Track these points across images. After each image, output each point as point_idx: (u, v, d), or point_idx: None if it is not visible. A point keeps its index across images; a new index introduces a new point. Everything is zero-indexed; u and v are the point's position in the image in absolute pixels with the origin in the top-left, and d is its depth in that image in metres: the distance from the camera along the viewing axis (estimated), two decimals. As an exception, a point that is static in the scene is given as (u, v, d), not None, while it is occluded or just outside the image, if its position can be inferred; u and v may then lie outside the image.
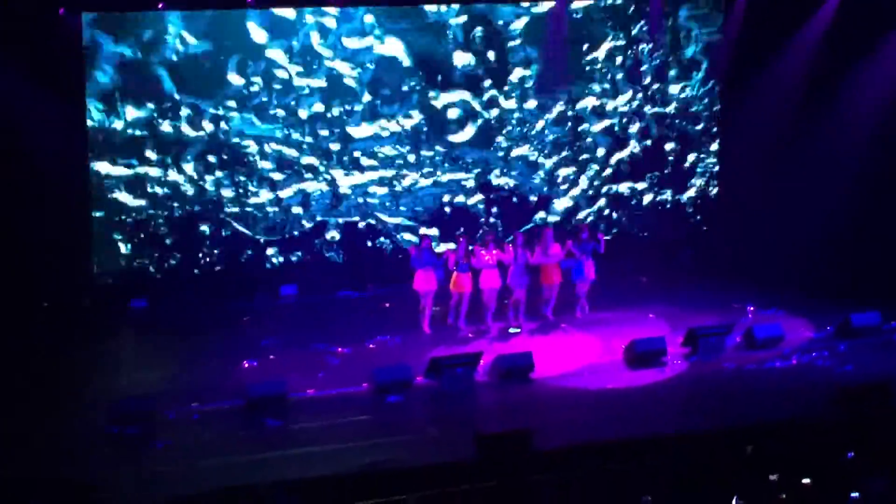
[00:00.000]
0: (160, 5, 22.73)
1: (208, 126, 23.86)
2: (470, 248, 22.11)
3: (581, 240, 22.89)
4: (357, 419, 18.20)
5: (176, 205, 23.94)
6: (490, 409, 18.76)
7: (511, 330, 22.20)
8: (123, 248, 23.68)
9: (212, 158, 24.06)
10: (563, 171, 26.44)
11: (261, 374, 19.91)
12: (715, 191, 27.45)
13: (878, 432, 16.48)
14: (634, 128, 26.72)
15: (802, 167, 25.44)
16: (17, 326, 21.87)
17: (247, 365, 20.48)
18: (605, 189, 26.77)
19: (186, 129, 23.71)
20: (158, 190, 23.74)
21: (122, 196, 23.50)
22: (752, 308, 23.11)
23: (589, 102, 26.32)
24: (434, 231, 25.33)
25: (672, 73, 26.76)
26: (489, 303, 22.33)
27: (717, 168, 27.45)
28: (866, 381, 18.83)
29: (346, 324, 22.70)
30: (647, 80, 26.63)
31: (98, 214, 23.40)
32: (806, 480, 12.94)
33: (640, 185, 27.04)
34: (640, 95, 26.63)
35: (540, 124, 26.10)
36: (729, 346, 20.92)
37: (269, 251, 24.67)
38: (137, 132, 23.45)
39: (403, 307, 22.90)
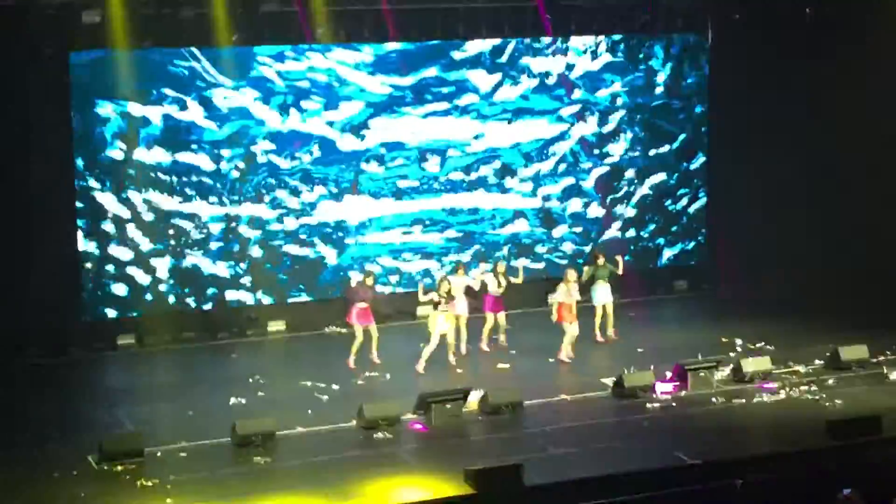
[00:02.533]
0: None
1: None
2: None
3: (597, 265, 23.13)
4: (346, 456, 18.13)
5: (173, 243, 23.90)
6: (480, 445, 18.70)
7: (499, 366, 22.15)
8: (114, 287, 23.59)
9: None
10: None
11: (249, 410, 19.81)
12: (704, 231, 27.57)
13: (868, 464, 16.52)
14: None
15: (791, 202, 25.57)
16: (3, 360, 21.80)
17: (234, 401, 20.41)
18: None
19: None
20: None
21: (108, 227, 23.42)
22: (740, 342, 23.10)
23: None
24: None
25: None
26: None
27: (705, 202, 27.50)
28: (856, 413, 18.88)
29: (334, 360, 22.62)
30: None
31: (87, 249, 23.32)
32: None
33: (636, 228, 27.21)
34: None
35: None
36: (718, 381, 20.89)
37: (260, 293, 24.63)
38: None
39: (393, 344, 22.85)
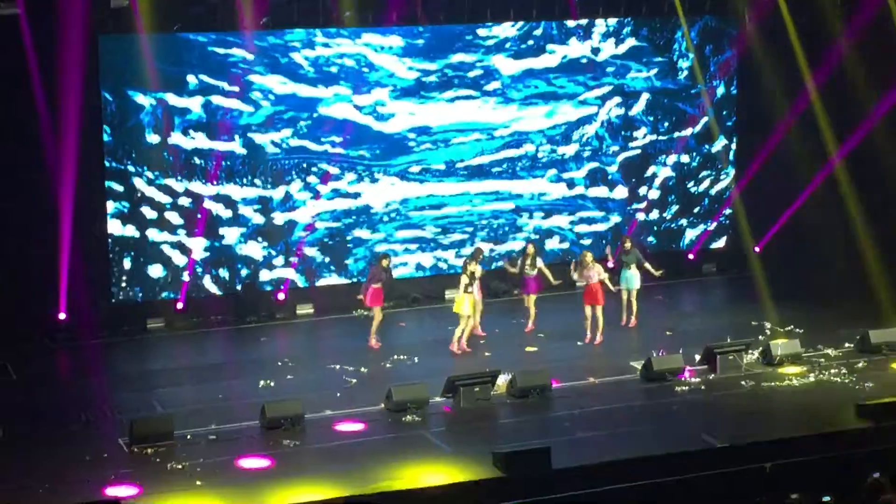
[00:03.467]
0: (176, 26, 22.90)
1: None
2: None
3: (625, 249, 23.14)
4: (375, 439, 18.18)
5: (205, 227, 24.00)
6: (508, 428, 18.71)
7: (528, 348, 22.15)
8: (145, 270, 23.67)
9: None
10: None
11: (278, 393, 19.88)
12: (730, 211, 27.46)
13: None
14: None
15: (820, 184, 25.43)
16: (35, 342, 21.88)
17: (263, 385, 20.47)
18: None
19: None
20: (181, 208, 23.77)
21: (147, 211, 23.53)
22: (769, 325, 23.03)
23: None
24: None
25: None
26: None
27: (734, 188, 27.42)
28: (886, 396, 18.80)
29: (363, 343, 22.66)
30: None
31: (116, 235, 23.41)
32: (826, 498, 12.86)
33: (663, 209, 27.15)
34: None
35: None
36: (747, 364, 20.85)
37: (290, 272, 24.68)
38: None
39: (421, 327, 22.88)
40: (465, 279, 21.72)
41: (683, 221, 27.43)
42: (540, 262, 23.13)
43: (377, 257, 23.22)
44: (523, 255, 23.30)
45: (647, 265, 23.32)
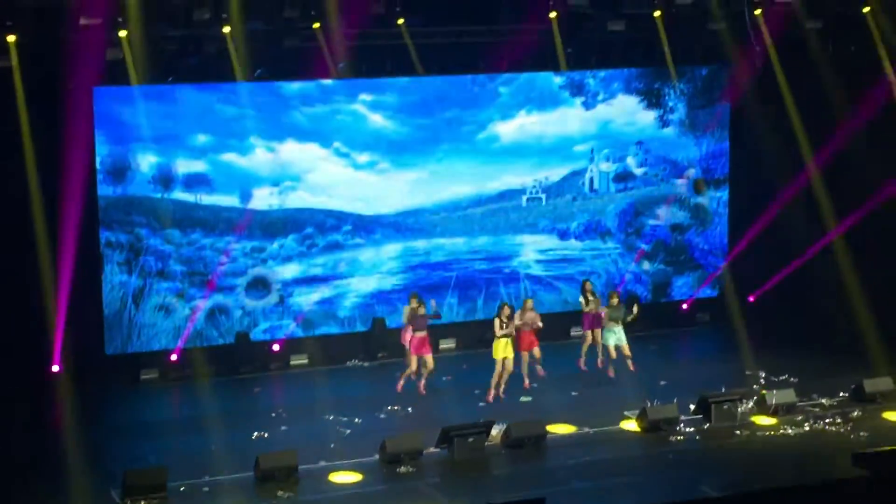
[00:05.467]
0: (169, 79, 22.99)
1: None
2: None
3: (612, 305, 23.01)
4: (369, 490, 18.10)
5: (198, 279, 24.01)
6: (503, 478, 18.64)
7: (522, 399, 22.10)
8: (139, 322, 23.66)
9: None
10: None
11: (272, 445, 19.80)
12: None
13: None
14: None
15: (813, 230, 25.49)
16: (26, 395, 21.81)
17: (256, 436, 20.40)
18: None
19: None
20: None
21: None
22: (763, 374, 23.02)
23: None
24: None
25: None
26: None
27: (727, 235, 27.49)
28: (882, 445, 18.77)
29: (357, 394, 22.62)
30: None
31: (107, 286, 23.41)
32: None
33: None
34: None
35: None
36: (741, 413, 20.82)
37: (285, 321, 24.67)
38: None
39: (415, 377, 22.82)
40: (497, 322, 21.84)
41: (675, 272, 27.43)
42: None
43: (413, 299, 22.93)
44: (584, 292, 23.35)
45: (634, 309, 23.29)
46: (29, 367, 22.22)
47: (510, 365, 22.01)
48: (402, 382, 22.35)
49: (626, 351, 22.89)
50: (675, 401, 21.07)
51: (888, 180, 24.39)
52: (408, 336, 22.50)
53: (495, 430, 19.85)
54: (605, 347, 22.98)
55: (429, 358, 22.25)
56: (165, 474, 17.99)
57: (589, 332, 23.24)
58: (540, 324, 22.53)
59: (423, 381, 22.29)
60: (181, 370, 23.73)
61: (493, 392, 21.99)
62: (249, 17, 22.53)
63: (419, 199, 25.36)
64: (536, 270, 26.37)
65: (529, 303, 22.85)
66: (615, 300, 23.13)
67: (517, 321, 22.28)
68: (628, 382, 22.81)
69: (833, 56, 25.27)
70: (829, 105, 24.98)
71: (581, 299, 23.52)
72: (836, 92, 24.82)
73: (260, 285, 24.43)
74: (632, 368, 22.86)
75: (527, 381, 22.55)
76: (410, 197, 25.28)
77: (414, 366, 22.28)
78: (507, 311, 22.08)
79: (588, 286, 23.61)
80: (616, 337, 22.84)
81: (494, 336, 21.98)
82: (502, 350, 21.94)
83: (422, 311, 22.48)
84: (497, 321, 21.95)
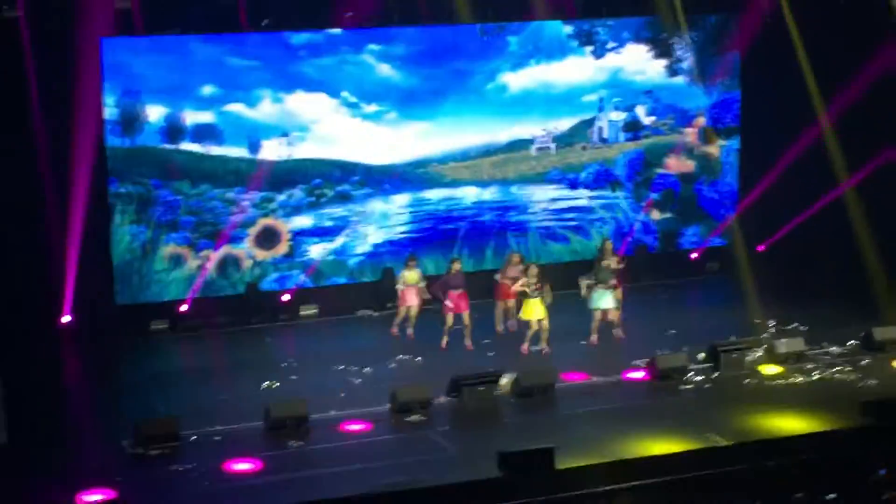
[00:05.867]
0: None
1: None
2: None
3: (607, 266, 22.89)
4: (379, 439, 18.19)
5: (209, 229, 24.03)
6: (512, 427, 18.71)
7: (533, 348, 22.12)
8: (149, 272, 23.70)
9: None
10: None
11: (282, 394, 19.89)
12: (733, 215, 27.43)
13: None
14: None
15: (824, 181, 25.41)
16: (39, 346, 21.87)
17: (267, 385, 20.48)
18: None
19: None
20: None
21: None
22: (773, 323, 23.02)
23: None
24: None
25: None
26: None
27: (737, 185, 27.43)
28: (891, 394, 18.79)
29: (367, 343, 22.69)
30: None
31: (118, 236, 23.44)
32: (831, 496, 12.86)
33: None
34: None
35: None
36: (750, 362, 20.84)
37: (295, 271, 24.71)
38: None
39: (424, 326, 22.88)
40: (523, 281, 21.89)
41: (685, 221, 27.37)
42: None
43: (452, 259, 23.08)
44: (603, 251, 23.13)
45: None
46: (40, 318, 22.31)
47: (546, 323, 21.91)
48: (445, 339, 22.25)
49: (613, 316, 22.58)
50: (684, 350, 21.11)
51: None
52: (407, 296, 22.58)
53: (505, 380, 19.90)
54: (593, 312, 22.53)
55: (465, 315, 22.19)
56: (177, 424, 18.08)
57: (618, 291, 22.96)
58: (522, 281, 22.39)
59: (468, 340, 22.23)
60: (191, 321, 23.79)
61: (527, 345, 21.89)
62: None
63: (428, 150, 25.31)
64: (545, 220, 26.35)
65: (516, 257, 22.90)
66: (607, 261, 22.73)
67: (499, 276, 22.45)
68: (638, 332, 22.83)
69: (845, 2, 25.06)
70: (842, 54, 24.84)
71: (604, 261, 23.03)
72: (848, 40, 24.67)
73: (269, 236, 24.45)
74: (622, 335, 22.62)
75: (500, 328, 22.81)
76: (419, 147, 25.22)
77: (450, 321, 22.24)
78: (534, 270, 22.01)
79: (609, 245, 23.40)
80: (605, 300, 22.47)
81: (522, 297, 21.91)
82: (533, 311, 21.88)
83: (413, 273, 22.53)
84: (524, 281, 21.86)
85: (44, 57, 21.69)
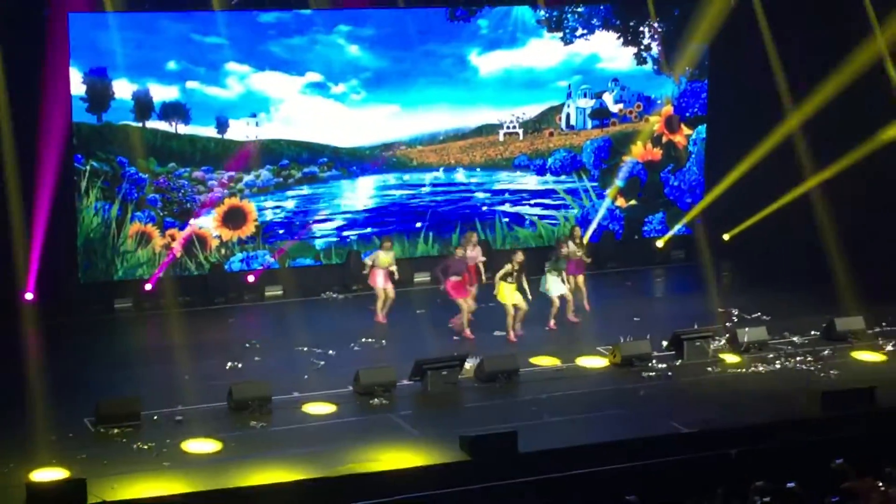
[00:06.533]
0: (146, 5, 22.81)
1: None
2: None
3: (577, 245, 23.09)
4: (342, 422, 18.20)
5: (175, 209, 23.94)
6: (475, 412, 18.75)
7: (496, 333, 22.15)
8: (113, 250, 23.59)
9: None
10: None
11: (245, 375, 19.86)
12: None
13: (861, 435, 16.57)
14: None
15: (788, 171, 25.53)
16: (1, 323, 21.74)
17: (230, 366, 20.45)
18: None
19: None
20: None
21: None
22: (736, 312, 23.15)
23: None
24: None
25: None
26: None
27: (703, 174, 27.52)
28: (850, 384, 18.95)
29: (331, 326, 22.68)
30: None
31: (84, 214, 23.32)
32: (791, 484, 12.96)
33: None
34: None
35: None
36: (713, 350, 20.96)
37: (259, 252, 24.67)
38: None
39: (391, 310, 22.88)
40: (507, 268, 21.79)
41: (650, 209, 27.45)
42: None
43: (457, 245, 23.13)
44: (572, 237, 23.32)
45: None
46: (2, 294, 22.16)
47: (523, 304, 21.91)
48: (468, 331, 22.00)
49: (570, 296, 22.67)
50: (647, 337, 21.20)
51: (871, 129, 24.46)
52: (376, 277, 22.54)
53: (469, 364, 19.93)
54: (550, 297, 22.47)
55: (467, 301, 22.03)
56: (139, 404, 18.03)
57: (571, 278, 23.10)
58: (482, 258, 22.71)
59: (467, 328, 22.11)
60: (155, 300, 23.70)
61: (512, 333, 21.83)
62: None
63: (396, 133, 25.29)
64: (512, 206, 26.39)
65: (474, 237, 23.06)
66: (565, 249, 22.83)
67: (458, 252, 22.40)
68: (602, 318, 22.91)
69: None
70: (811, 48, 24.98)
71: (569, 244, 23.17)
72: (817, 36, 24.83)
73: (236, 216, 24.38)
74: (574, 319, 22.65)
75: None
76: (387, 130, 25.20)
77: (469, 305, 22.11)
78: (520, 256, 21.96)
79: (577, 232, 23.59)
80: (556, 286, 22.44)
81: (498, 280, 21.81)
82: (510, 295, 21.82)
83: (387, 256, 22.52)
84: (508, 266, 21.75)
85: (11, 32, 21.49)
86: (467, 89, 25.57)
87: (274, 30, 24.08)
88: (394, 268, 22.71)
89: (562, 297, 22.42)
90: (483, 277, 22.70)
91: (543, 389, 19.42)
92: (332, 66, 24.56)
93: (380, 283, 22.66)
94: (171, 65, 23.46)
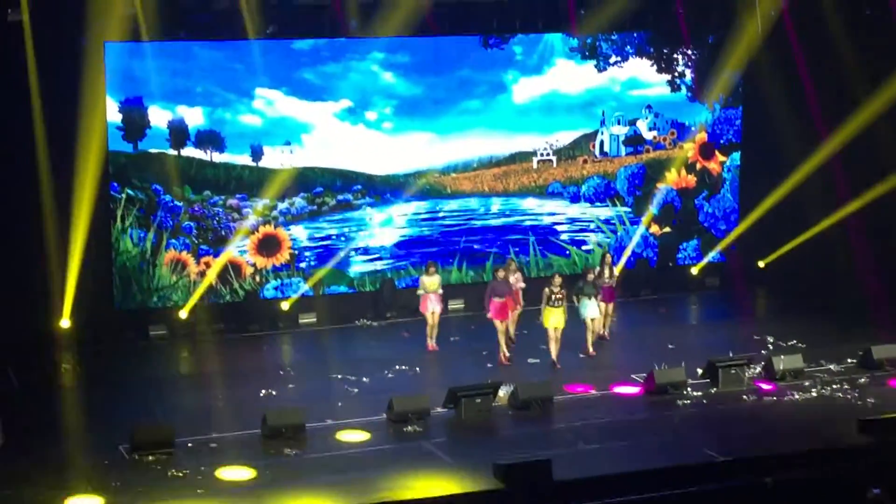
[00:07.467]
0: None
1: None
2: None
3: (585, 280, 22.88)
4: (375, 449, 18.18)
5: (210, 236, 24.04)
6: (509, 439, 18.70)
7: (530, 360, 22.11)
8: (149, 278, 23.69)
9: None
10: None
11: (279, 402, 19.88)
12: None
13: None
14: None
15: (823, 198, 25.45)
16: (38, 350, 21.85)
17: (264, 393, 20.48)
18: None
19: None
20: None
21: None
22: (772, 340, 23.03)
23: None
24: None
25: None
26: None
27: (737, 201, 27.43)
28: (887, 412, 18.80)
29: (365, 353, 22.69)
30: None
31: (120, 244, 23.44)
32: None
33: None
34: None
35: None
36: (749, 378, 20.85)
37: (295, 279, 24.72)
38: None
39: (422, 336, 22.87)
40: (546, 292, 21.79)
41: (684, 236, 27.36)
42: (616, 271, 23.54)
43: (500, 268, 23.01)
44: (603, 264, 23.40)
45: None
46: (39, 321, 22.30)
47: (560, 333, 21.81)
48: (507, 354, 22.03)
49: (599, 326, 22.75)
50: (682, 364, 21.09)
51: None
52: (426, 303, 22.59)
53: (502, 392, 19.90)
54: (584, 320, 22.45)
55: (504, 322, 22.01)
56: (173, 431, 18.06)
57: (603, 305, 23.04)
58: (522, 284, 22.72)
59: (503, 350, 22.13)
60: (190, 327, 23.79)
61: (553, 359, 21.78)
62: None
63: (429, 160, 25.33)
64: (546, 233, 26.36)
65: (513, 263, 23.13)
66: (590, 275, 22.63)
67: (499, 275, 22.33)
68: (636, 346, 22.83)
69: (848, 22, 25.09)
70: (845, 76, 24.91)
71: (597, 270, 23.15)
72: (851, 63, 24.75)
73: (270, 244, 24.46)
74: (591, 352, 22.46)
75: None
76: (421, 157, 25.25)
77: (507, 329, 22.15)
78: (558, 279, 21.91)
79: (609, 259, 23.60)
80: (590, 309, 22.44)
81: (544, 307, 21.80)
82: (554, 319, 21.79)
83: (432, 280, 22.56)
84: (547, 290, 21.76)
85: (48, 61, 21.69)
86: (501, 117, 25.61)
87: (308, 57, 24.20)
88: (441, 291, 22.70)
89: (595, 321, 22.42)
90: (521, 303, 22.65)
91: (577, 417, 19.35)
92: (367, 94, 24.65)
93: (429, 307, 22.65)
94: (206, 92, 23.59)
